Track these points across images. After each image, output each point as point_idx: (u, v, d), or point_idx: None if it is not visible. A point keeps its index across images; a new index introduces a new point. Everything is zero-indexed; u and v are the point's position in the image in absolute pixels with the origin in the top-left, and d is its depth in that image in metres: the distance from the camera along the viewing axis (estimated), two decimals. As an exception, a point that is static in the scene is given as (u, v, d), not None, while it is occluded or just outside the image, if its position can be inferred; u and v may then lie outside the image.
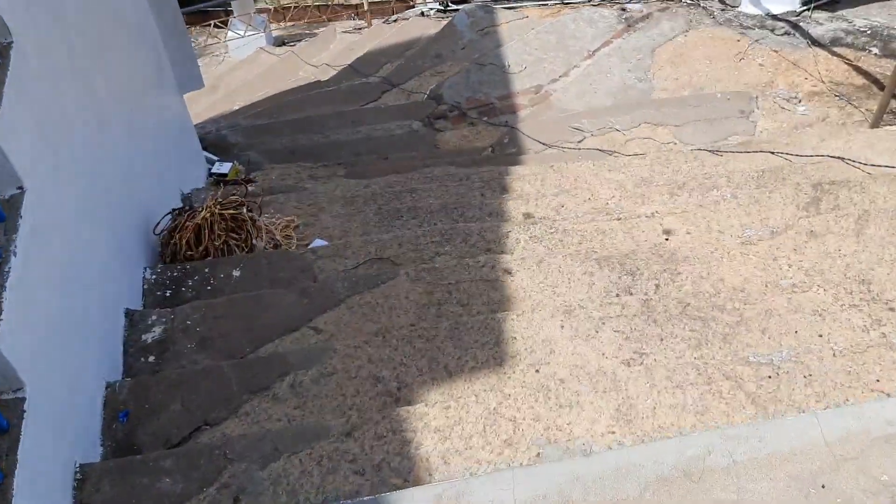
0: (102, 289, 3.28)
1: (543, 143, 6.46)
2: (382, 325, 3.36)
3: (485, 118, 7.26)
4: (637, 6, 8.56)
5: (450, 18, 9.32)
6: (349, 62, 8.95)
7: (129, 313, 3.50)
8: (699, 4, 8.16)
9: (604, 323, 3.08)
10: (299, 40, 10.92)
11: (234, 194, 4.29)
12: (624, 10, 8.56)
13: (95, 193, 3.39)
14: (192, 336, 3.41)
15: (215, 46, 11.38)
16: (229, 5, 11.09)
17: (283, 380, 3.01)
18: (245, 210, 4.10)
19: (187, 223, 4.01)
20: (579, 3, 9.06)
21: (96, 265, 3.23)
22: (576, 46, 7.98)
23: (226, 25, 10.98)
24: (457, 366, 2.99)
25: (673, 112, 6.58)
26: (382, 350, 3.09)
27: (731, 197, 4.00)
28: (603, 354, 2.95)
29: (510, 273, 3.52)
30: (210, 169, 6.51)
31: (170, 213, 4.20)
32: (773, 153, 4.77)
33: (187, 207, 4.14)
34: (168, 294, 3.82)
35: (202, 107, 9.24)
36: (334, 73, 8.92)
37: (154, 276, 3.87)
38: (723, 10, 7.99)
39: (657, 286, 3.37)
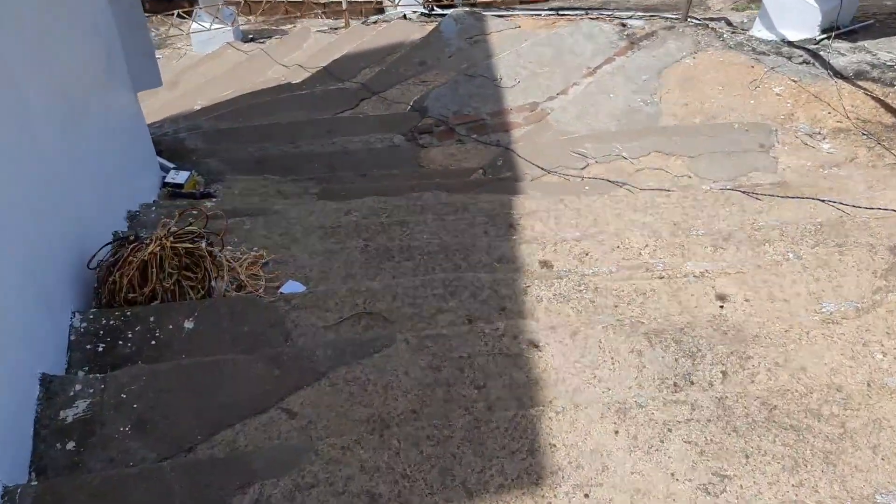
0: (7, 345, 2.45)
1: (542, 168, 5.74)
2: (376, 412, 2.58)
3: (474, 136, 6.51)
4: (639, 22, 7.91)
5: (436, 24, 8.57)
6: (324, 64, 8.15)
7: (45, 380, 2.67)
8: (707, 25, 7.53)
9: (670, 429, 2.35)
10: (269, 37, 10.06)
11: (191, 222, 3.47)
12: (624, 25, 7.90)
13: (3, 211, 2.56)
14: (128, 415, 2.60)
15: (177, 38, 10.45)
16: (195, -5, 10.19)
17: (245, 493, 2.21)
18: (204, 243, 3.28)
19: (131, 258, 3.18)
20: (575, 15, 8.38)
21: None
22: (574, 62, 7.29)
23: (190, 16, 10.07)
24: (478, 482, 2.24)
25: (685, 141, 5.91)
26: (379, 454, 2.31)
27: (794, 257, 3.30)
28: (673, 475, 2.22)
29: (537, 346, 2.78)
30: (164, 178, 5.66)
31: (110, 242, 3.37)
32: (822, 201, 4.11)
33: (132, 237, 3.30)
34: (101, 349, 3.00)
35: (160, 104, 8.35)
36: (308, 75, 8.10)
37: (84, 325, 3.04)
38: (733, 32, 7.38)
39: (724, 374, 2.66)
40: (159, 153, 6.28)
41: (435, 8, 9.00)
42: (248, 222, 4.25)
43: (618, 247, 3.63)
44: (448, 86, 7.17)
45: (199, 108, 7.88)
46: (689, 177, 5.53)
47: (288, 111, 7.22)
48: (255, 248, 3.77)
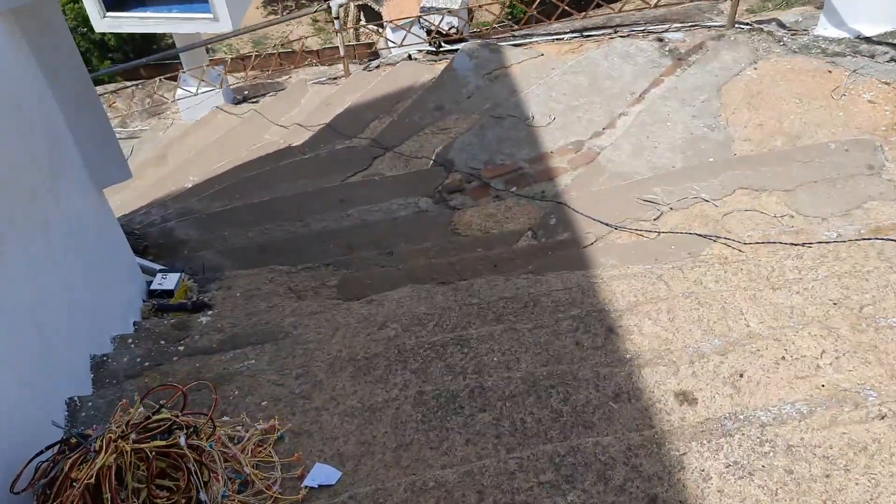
0: None
1: (606, 224, 4.59)
2: None
3: (514, 189, 5.37)
4: (678, 35, 6.78)
5: (447, 61, 7.46)
6: (327, 120, 7.05)
7: None
8: (761, 29, 6.39)
9: None
10: (263, 95, 9.00)
11: (162, 404, 2.31)
12: (662, 40, 6.78)
13: None
14: None
15: (164, 107, 9.42)
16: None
17: None
18: (183, 437, 2.13)
19: (74, 474, 2.03)
20: (603, 35, 7.26)
21: None
22: (615, 88, 6.15)
23: (175, 80, 9.04)
24: None
25: (774, 171, 4.75)
26: None
27: None
28: None
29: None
30: (150, 285, 4.54)
31: (50, 447, 2.22)
32: None
33: (73, 438, 2.15)
34: None
35: (148, 183, 7.27)
36: (309, 134, 7.00)
37: None
38: (793, 34, 6.23)
39: None
40: (144, 250, 5.18)
41: (443, 44, 7.91)
42: (253, 355, 3.11)
43: (783, 358, 2.46)
44: (473, 132, 6.04)
45: (190, 185, 6.78)
46: (792, 216, 4.36)
47: (291, 180, 6.11)
48: (263, 411, 2.61)
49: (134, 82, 11.89)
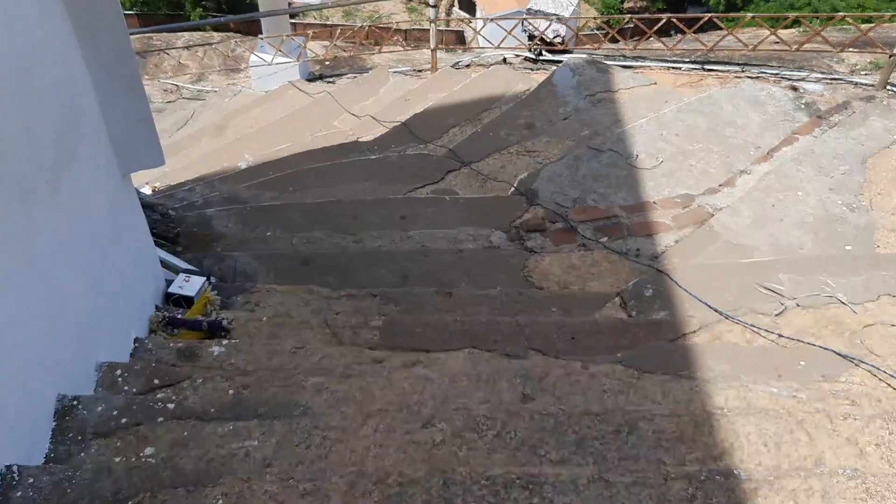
0: None
1: (715, 310, 3.72)
2: None
3: (604, 239, 4.54)
4: (816, 87, 5.85)
5: (546, 73, 6.65)
6: (403, 119, 6.30)
7: None
8: (921, 95, 5.42)
9: None
10: (341, 75, 8.30)
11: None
12: (796, 89, 5.84)
13: None
14: None
15: (233, 73, 8.79)
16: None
17: None
18: None
19: None
20: (727, 72, 6.34)
21: None
22: (738, 138, 5.26)
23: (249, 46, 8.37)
24: None
25: (931, 279, 3.83)
26: None
27: None
28: None
29: None
30: (169, 286, 3.87)
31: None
32: None
33: None
34: None
35: (201, 154, 6.64)
36: (381, 131, 6.27)
37: None
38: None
39: None
40: (175, 238, 4.49)
41: (544, 53, 7.08)
42: (257, 434, 2.38)
43: None
44: (565, 162, 5.21)
45: (244, 164, 6.11)
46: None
47: (352, 182, 5.38)
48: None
49: (223, 34, 11.35)
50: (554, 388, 2.83)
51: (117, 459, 2.31)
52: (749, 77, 6.21)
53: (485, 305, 3.99)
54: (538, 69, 7.00)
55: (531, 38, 7.11)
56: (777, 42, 6.29)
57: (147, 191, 6.14)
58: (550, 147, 5.55)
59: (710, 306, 3.74)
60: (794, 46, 6.11)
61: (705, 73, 6.38)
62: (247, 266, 4.35)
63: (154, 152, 3.27)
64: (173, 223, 4.70)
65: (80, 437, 2.36)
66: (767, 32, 6.37)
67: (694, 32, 6.36)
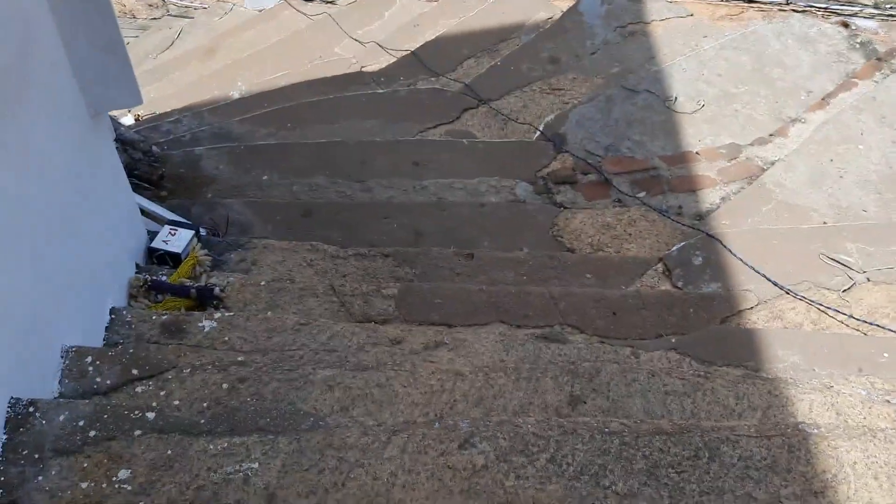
0: None
1: (775, 284, 3.26)
2: None
3: (642, 194, 4.04)
4: (869, 24, 5.26)
5: (572, 1, 5.99)
6: (413, 47, 5.68)
7: None
8: None
9: None
10: (342, -5, 7.56)
11: None
12: (847, 26, 5.25)
13: None
14: None
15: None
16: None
17: None
18: None
19: None
20: (770, 3, 5.72)
21: None
22: (787, 82, 4.71)
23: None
24: None
25: None
26: None
27: None
28: None
29: None
30: (152, 240, 3.37)
31: None
32: None
33: None
34: None
35: (189, 80, 6.01)
36: (389, 60, 5.65)
37: None
38: None
39: None
40: (159, 180, 3.96)
41: (566, -24, 6.39)
42: (258, 454, 1.93)
43: None
44: (596, 104, 4.66)
45: (237, 94, 5.51)
46: None
47: (357, 119, 4.82)
48: None
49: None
50: (608, 389, 2.37)
51: (84, 485, 1.85)
52: (793, 10, 5.60)
53: (511, 270, 3.52)
54: (560, -5, 6.33)
55: (553, -41, 6.40)
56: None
57: (129, 119, 5.55)
58: (578, 85, 4.98)
59: (768, 279, 3.29)
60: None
61: (746, 3, 5.75)
62: (241, 216, 3.84)
63: (129, 89, 2.73)
64: (157, 163, 4.16)
65: (36, 456, 1.89)
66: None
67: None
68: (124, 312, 2.76)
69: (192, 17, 7.33)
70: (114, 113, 5.80)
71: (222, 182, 4.12)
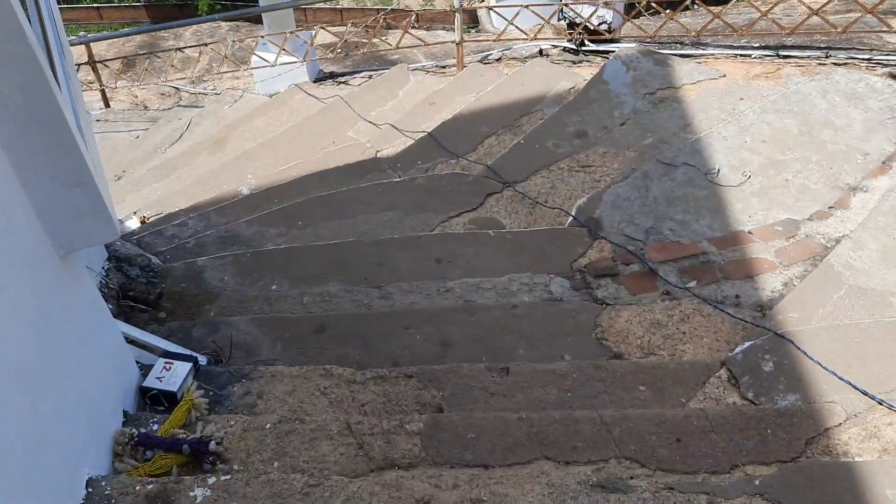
0: None
1: (863, 392, 2.76)
2: None
3: (692, 283, 3.56)
4: (920, 73, 4.79)
5: (592, 67, 5.64)
6: (428, 127, 5.33)
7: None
8: None
9: None
10: (353, 73, 7.31)
11: None
12: (895, 77, 4.80)
13: None
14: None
15: (233, 75, 7.84)
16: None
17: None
18: None
19: None
20: (809, 58, 5.31)
21: None
22: (840, 143, 4.25)
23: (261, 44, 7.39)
24: None
25: None
26: None
27: None
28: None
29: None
30: (145, 377, 2.96)
31: None
32: None
33: None
34: None
35: (198, 175, 5.72)
36: (404, 143, 5.31)
37: None
38: None
39: None
40: (157, 300, 3.57)
41: (586, 42, 6.05)
42: None
43: None
44: (631, 182, 4.23)
45: (246, 191, 5.17)
46: None
47: (373, 212, 4.43)
48: None
49: (232, 23, 10.41)
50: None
51: None
52: (834, 63, 5.17)
53: (552, 386, 3.05)
54: (581, 62, 5.99)
55: (570, 25, 6.08)
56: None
57: (134, 223, 5.22)
58: (609, 160, 4.56)
59: (856, 387, 2.77)
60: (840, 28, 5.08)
61: (781, 59, 5.34)
62: (247, 336, 3.42)
63: (103, 224, 2.33)
64: (156, 279, 3.78)
65: None
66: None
67: (710, 5, 5.30)
68: (104, 484, 2.33)
69: (203, 106, 7.08)
70: (120, 217, 5.51)
71: (227, 297, 3.72)
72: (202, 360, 3.29)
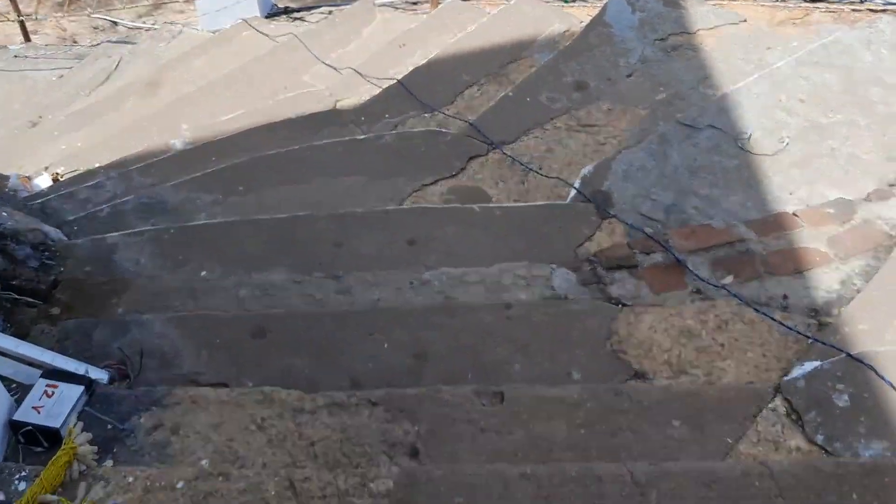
0: None
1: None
2: None
3: (728, 279, 2.82)
4: (974, 23, 4.05)
5: (588, 7, 4.81)
6: (399, 74, 4.47)
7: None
8: None
9: None
10: (311, 10, 6.34)
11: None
12: (946, 28, 4.05)
13: None
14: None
15: (175, 9, 6.83)
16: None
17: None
18: None
19: None
20: (837, 1, 4.53)
21: None
22: (893, 105, 3.52)
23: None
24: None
25: None
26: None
27: None
28: None
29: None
30: (19, 405, 2.12)
31: None
32: None
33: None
34: None
35: (123, 124, 4.79)
36: (370, 91, 4.46)
37: None
38: None
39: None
40: (49, 292, 2.73)
41: (581, -24, 5.20)
42: None
43: None
44: (646, 147, 3.45)
45: (179, 145, 4.28)
46: None
47: (331, 175, 3.61)
48: None
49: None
50: None
51: None
52: (871, 10, 4.41)
53: (562, 419, 2.32)
54: (574, 2, 5.13)
55: (563, -43, 5.21)
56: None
57: (45, 181, 4.33)
58: (615, 119, 3.78)
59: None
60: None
61: (809, 4, 4.56)
62: (164, 341, 2.61)
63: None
64: (51, 261, 2.91)
65: None
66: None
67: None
68: None
69: (136, 43, 6.07)
70: (29, 172, 4.58)
71: (141, 286, 2.89)
72: (101, 376, 2.48)
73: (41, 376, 2.31)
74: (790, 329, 2.62)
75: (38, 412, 2.20)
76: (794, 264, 2.87)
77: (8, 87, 5.91)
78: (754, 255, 2.93)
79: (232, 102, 4.72)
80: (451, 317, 2.76)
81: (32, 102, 5.67)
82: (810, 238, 2.96)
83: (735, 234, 2.99)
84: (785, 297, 2.78)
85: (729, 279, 2.86)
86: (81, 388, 2.28)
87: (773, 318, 2.67)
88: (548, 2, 5.08)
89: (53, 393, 2.25)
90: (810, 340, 2.56)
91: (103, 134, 4.79)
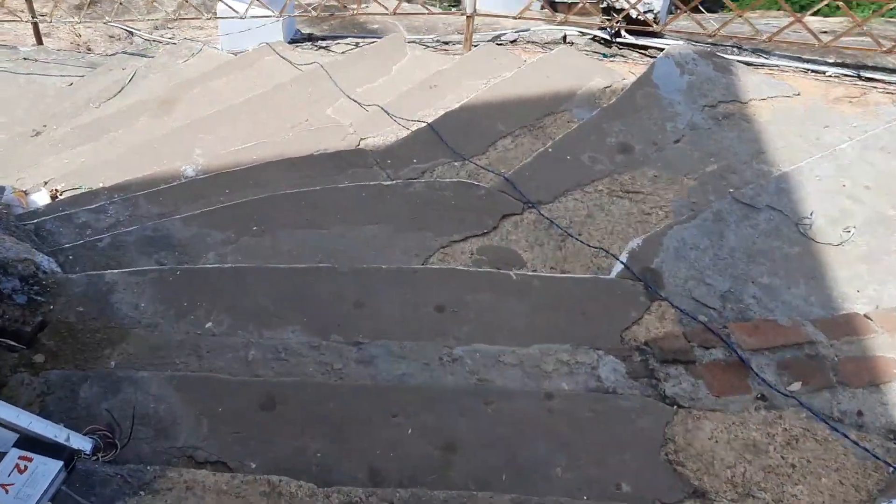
0: None
1: None
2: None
3: (795, 387, 2.48)
4: None
5: (634, 66, 4.53)
6: (428, 116, 4.16)
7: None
8: None
9: None
10: (337, 39, 6.06)
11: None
12: None
13: None
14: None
15: (193, 24, 6.53)
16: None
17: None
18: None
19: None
20: (891, 82, 4.27)
21: None
22: (966, 202, 3.21)
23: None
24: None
25: None
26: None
27: None
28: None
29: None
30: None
31: None
32: None
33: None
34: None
35: (134, 142, 4.46)
36: (397, 133, 4.14)
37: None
38: None
39: None
40: (34, 336, 2.35)
41: (623, 33, 4.92)
42: None
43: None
44: (700, 224, 3.12)
45: (191, 172, 3.94)
46: None
47: (353, 223, 3.26)
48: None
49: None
50: None
51: None
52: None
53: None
54: (614, 57, 4.86)
55: (607, 10, 4.94)
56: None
57: (42, 197, 3.98)
58: (662, 187, 3.47)
59: None
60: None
61: (865, 82, 4.30)
62: (160, 405, 2.25)
63: None
64: (40, 297, 2.55)
65: None
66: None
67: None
68: None
69: (153, 57, 5.75)
70: (27, 186, 4.24)
71: (139, 336, 2.52)
72: (84, 445, 2.10)
73: (14, 444, 1.93)
74: (869, 452, 2.28)
75: (6, 492, 1.84)
76: (868, 375, 2.54)
77: (14, 90, 5.57)
78: (825, 361, 2.59)
79: (250, 130, 4.40)
80: (486, 403, 2.40)
81: (38, 109, 5.33)
82: (885, 345, 2.64)
83: (803, 335, 2.66)
84: (859, 413, 2.45)
85: (797, 386, 2.52)
86: (60, 463, 1.92)
87: (849, 438, 2.33)
88: (583, 51, 4.79)
89: (27, 468, 1.89)
90: (892, 470, 2.21)
91: (110, 152, 4.46)
